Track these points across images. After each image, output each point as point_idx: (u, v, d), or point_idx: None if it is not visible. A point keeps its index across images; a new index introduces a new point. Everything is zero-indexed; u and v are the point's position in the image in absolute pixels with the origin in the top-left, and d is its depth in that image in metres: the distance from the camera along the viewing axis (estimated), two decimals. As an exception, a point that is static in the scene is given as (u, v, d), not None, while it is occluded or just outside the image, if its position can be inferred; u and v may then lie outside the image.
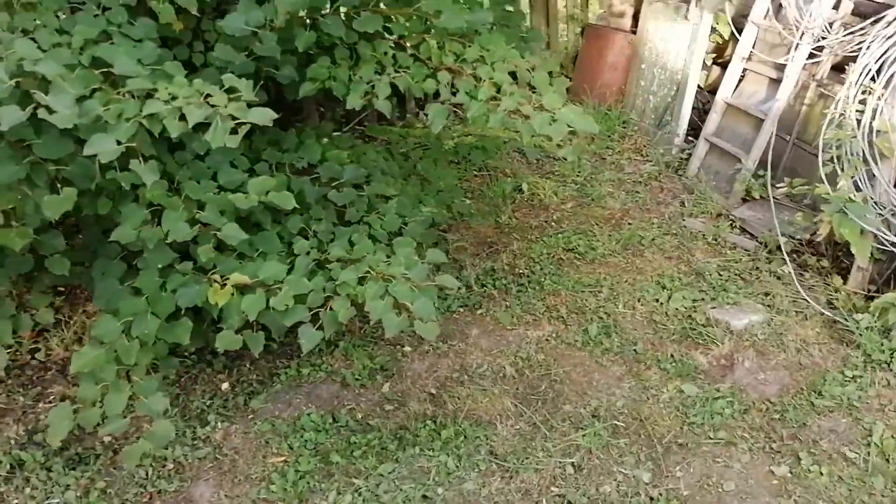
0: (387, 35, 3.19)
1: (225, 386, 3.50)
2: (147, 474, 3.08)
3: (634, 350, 3.77)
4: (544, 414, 3.39)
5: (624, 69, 6.46)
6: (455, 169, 5.38)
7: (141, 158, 2.50)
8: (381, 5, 3.01)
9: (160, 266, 3.02)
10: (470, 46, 3.17)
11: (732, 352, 3.72)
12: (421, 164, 4.73)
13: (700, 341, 3.81)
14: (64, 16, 2.92)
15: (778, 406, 3.37)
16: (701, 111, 5.94)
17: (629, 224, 4.92)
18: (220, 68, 3.05)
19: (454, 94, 3.06)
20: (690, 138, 5.81)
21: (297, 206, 3.38)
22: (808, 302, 3.97)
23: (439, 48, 3.15)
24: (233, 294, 2.90)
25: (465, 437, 3.26)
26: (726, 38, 5.67)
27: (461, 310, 4.09)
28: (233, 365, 3.62)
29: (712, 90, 5.72)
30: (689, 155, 5.57)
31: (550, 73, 3.26)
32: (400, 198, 3.86)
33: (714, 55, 5.89)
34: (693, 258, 4.51)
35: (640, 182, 5.47)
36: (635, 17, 6.55)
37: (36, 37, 2.60)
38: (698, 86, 5.85)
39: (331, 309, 2.94)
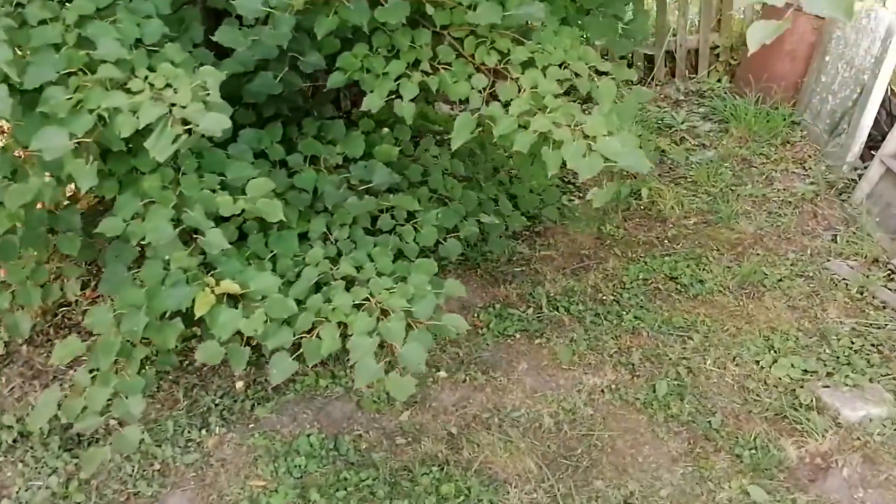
0: (427, 25, 2.70)
1: (239, 385, 3.30)
2: (132, 471, 2.95)
3: (708, 423, 3.11)
4: (569, 486, 2.87)
5: (804, 59, 5.43)
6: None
7: (90, 156, 2.25)
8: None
9: (167, 256, 2.83)
10: (522, 44, 2.61)
11: (833, 451, 2.95)
12: (515, 158, 4.22)
13: (797, 427, 3.07)
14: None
15: (865, 542, 2.63)
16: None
17: (757, 255, 4.11)
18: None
19: (488, 102, 2.55)
20: (873, 153, 4.77)
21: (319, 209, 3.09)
22: (953, 401, 3.08)
23: (483, 44, 2.62)
24: (219, 303, 2.65)
25: (468, 496, 2.82)
26: (934, 34, 4.54)
27: (518, 335, 3.60)
28: (257, 362, 3.39)
29: (909, 98, 4.66)
30: (860, 176, 4.58)
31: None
32: (455, 204, 3.43)
33: (918, 54, 4.76)
34: (823, 313, 3.67)
35: (789, 202, 4.57)
36: (832, -3, 5.46)
37: (26, 11, 2.41)
38: (891, 90, 4.78)
39: (318, 336, 2.61)
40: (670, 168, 4.98)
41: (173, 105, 2.14)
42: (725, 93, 5.72)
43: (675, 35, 6.01)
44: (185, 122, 2.11)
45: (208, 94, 2.18)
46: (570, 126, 2.37)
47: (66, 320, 3.72)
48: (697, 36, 6.05)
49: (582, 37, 3.22)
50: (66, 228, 2.92)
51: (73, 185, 2.79)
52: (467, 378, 3.36)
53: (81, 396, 2.74)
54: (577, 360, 3.45)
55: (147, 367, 3.03)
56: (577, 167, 2.25)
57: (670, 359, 3.43)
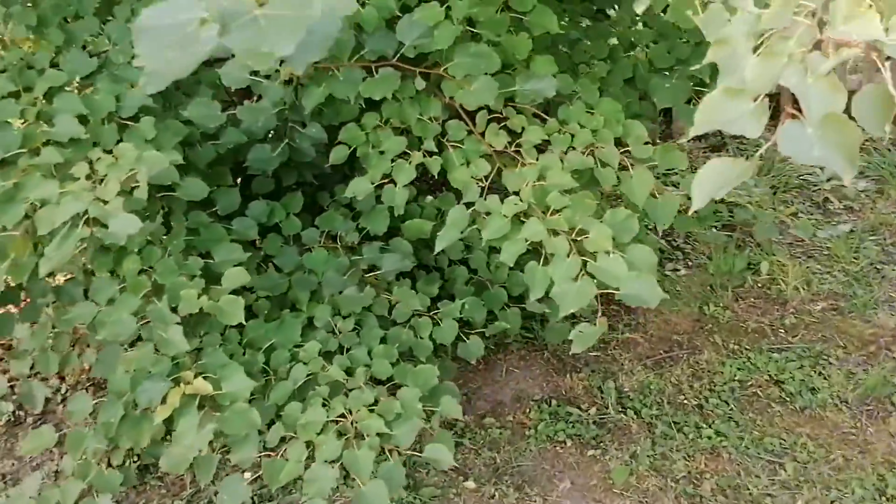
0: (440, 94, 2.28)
1: (247, 476, 3.01)
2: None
3: (784, 593, 2.44)
4: None
5: None
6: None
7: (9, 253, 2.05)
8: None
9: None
10: (544, 121, 2.13)
11: None
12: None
13: None
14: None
15: None
16: None
17: (892, 359, 3.30)
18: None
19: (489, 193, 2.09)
20: None
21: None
22: None
23: (495, 121, 2.17)
24: (188, 404, 2.38)
25: None
26: None
27: (568, 442, 3.07)
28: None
29: None
30: None
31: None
32: (497, 288, 2.97)
33: None
34: (969, 450, 2.84)
35: (949, 290, 3.68)
36: None
37: (-2, 80, 2.27)
38: None
39: (284, 455, 2.26)
40: (799, 238, 4.20)
41: (97, 199, 1.89)
42: (892, 145, 4.79)
43: (828, 73, 5.14)
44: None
45: (137, 186, 1.90)
46: (570, 234, 1.86)
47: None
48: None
49: (653, 103, 2.68)
50: (68, 302, 2.79)
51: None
52: (497, 493, 2.88)
53: (59, 488, 2.60)
54: (633, 483, 2.87)
55: (131, 460, 2.83)
56: (558, 295, 1.74)
57: (751, 494, 2.76)
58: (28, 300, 2.80)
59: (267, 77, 2.32)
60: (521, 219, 1.94)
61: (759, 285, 3.89)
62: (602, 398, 3.27)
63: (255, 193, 2.84)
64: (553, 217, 1.91)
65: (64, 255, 1.85)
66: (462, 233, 2.09)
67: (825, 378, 3.25)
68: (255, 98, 2.47)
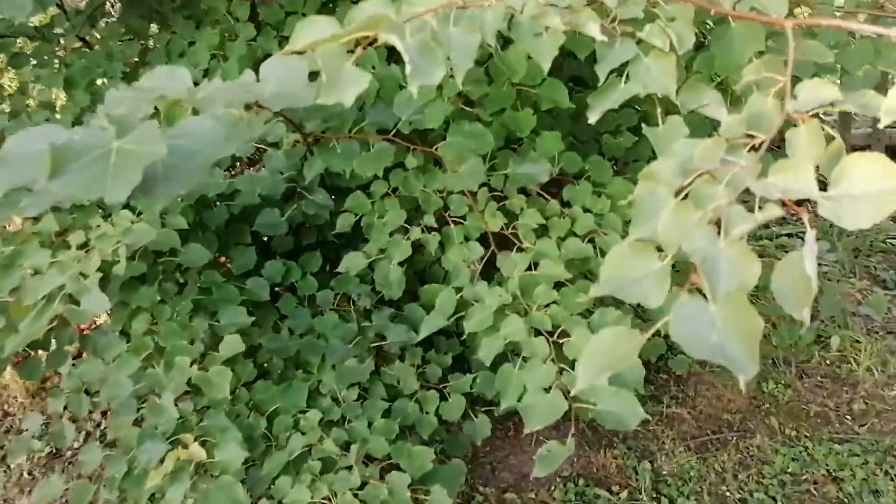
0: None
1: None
2: None
3: None
4: None
5: None
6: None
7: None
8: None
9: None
10: (545, 202, 1.99)
11: None
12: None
13: None
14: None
15: None
16: None
17: (975, 464, 2.93)
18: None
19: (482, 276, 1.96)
20: None
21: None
22: None
23: (494, 199, 2.04)
24: (181, 469, 2.35)
25: None
26: None
27: (592, 531, 2.87)
28: None
29: None
30: None
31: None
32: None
33: None
34: None
35: None
36: None
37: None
38: None
39: (267, 533, 2.19)
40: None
41: (81, 274, 1.88)
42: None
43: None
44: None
45: (118, 262, 1.88)
46: (554, 333, 1.70)
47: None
48: (865, 129, 4.68)
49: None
50: (91, 351, 2.83)
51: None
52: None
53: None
54: (655, 585, 2.64)
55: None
56: (525, 408, 1.58)
57: None
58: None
59: (273, 145, 2.29)
60: (507, 311, 1.81)
61: (828, 362, 3.56)
62: (636, 481, 3.05)
63: (275, 252, 2.81)
64: (537, 314, 1.76)
65: (35, 331, 1.85)
66: (448, 320, 1.97)
67: (892, 479, 2.91)
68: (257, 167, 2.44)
